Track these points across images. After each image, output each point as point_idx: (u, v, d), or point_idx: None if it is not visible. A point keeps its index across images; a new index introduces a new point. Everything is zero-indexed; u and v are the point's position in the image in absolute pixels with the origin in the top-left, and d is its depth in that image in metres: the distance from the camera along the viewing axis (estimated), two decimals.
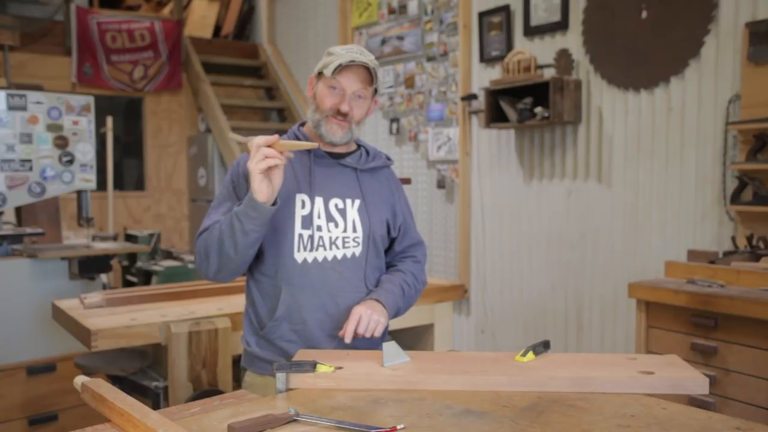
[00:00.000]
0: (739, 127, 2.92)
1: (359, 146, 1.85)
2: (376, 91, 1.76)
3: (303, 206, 1.70)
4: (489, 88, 3.90)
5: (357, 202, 1.75)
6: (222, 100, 6.12)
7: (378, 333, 1.64)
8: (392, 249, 1.88)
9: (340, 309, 1.69)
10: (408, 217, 1.90)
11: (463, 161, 4.39)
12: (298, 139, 1.78)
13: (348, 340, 1.61)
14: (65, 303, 2.72)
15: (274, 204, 1.57)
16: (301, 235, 1.69)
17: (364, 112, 1.74)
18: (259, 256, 1.74)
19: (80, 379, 1.38)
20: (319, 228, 1.70)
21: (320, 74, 1.71)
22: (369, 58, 1.69)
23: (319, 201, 1.71)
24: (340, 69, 1.65)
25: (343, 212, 1.73)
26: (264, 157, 1.51)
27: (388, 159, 1.88)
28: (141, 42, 6.21)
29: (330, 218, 1.72)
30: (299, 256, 1.69)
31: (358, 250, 1.74)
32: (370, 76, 1.69)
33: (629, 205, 3.49)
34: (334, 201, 1.73)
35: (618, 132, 3.52)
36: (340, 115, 1.69)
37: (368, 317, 1.62)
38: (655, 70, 3.32)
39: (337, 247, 1.71)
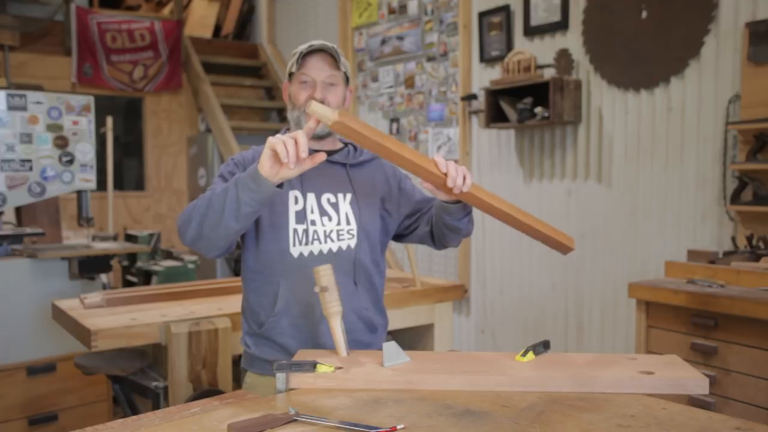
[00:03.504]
0: (739, 127, 2.91)
1: (345, 144, 1.86)
2: (348, 80, 1.78)
3: (296, 202, 1.73)
4: (489, 88, 3.90)
5: (349, 195, 1.78)
6: (222, 100, 6.12)
7: (466, 187, 1.52)
8: (419, 208, 1.85)
9: None
10: (416, 187, 1.91)
11: (463, 161, 4.39)
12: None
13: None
14: (65, 303, 2.71)
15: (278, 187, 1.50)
16: (296, 230, 1.72)
17: (340, 99, 1.75)
18: (254, 253, 1.75)
19: (316, 105, 1.44)
20: (313, 222, 1.72)
21: (290, 75, 1.76)
22: (329, 45, 1.73)
23: (311, 197, 1.74)
24: (303, 57, 1.71)
25: (335, 206, 1.75)
26: (287, 145, 1.41)
27: None
28: (141, 42, 6.21)
29: (323, 212, 1.74)
30: (295, 251, 1.71)
31: (353, 242, 1.76)
32: (334, 61, 1.72)
33: (629, 205, 3.49)
34: (326, 196, 1.75)
35: (618, 132, 3.52)
36: None
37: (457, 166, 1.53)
38: (655, 70, 3.31)
39: (332, 240, 1.74)
